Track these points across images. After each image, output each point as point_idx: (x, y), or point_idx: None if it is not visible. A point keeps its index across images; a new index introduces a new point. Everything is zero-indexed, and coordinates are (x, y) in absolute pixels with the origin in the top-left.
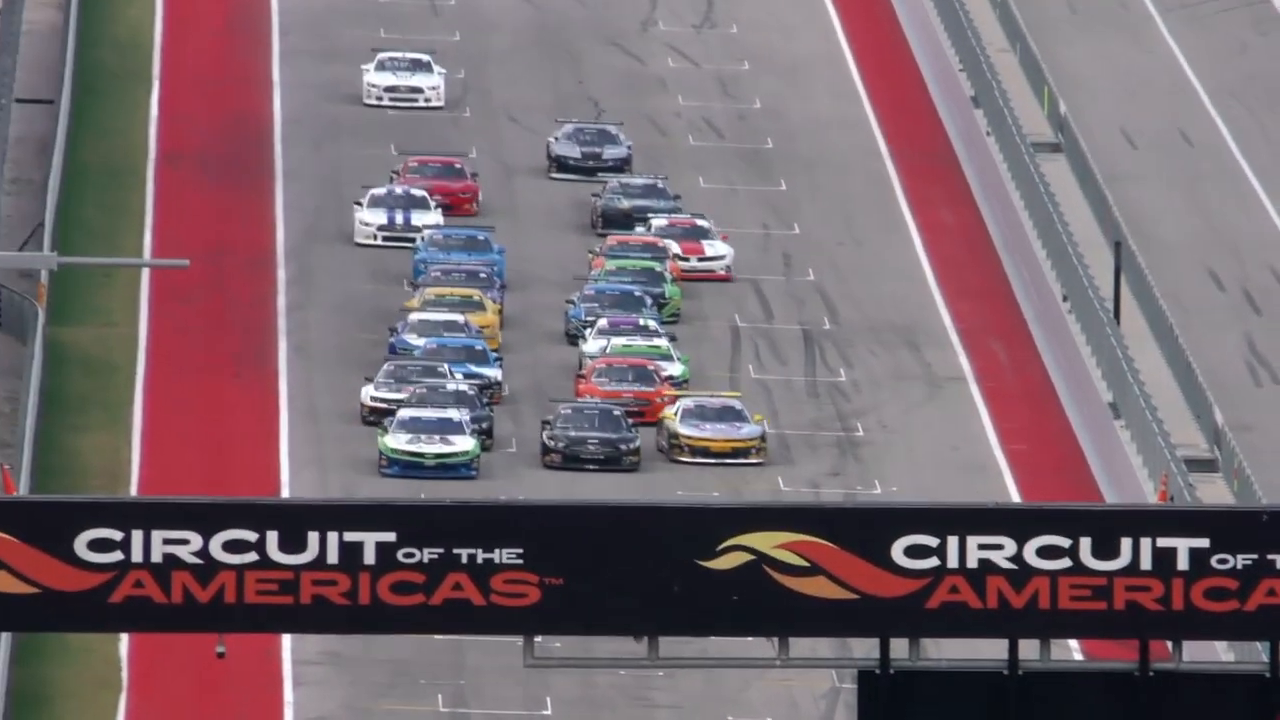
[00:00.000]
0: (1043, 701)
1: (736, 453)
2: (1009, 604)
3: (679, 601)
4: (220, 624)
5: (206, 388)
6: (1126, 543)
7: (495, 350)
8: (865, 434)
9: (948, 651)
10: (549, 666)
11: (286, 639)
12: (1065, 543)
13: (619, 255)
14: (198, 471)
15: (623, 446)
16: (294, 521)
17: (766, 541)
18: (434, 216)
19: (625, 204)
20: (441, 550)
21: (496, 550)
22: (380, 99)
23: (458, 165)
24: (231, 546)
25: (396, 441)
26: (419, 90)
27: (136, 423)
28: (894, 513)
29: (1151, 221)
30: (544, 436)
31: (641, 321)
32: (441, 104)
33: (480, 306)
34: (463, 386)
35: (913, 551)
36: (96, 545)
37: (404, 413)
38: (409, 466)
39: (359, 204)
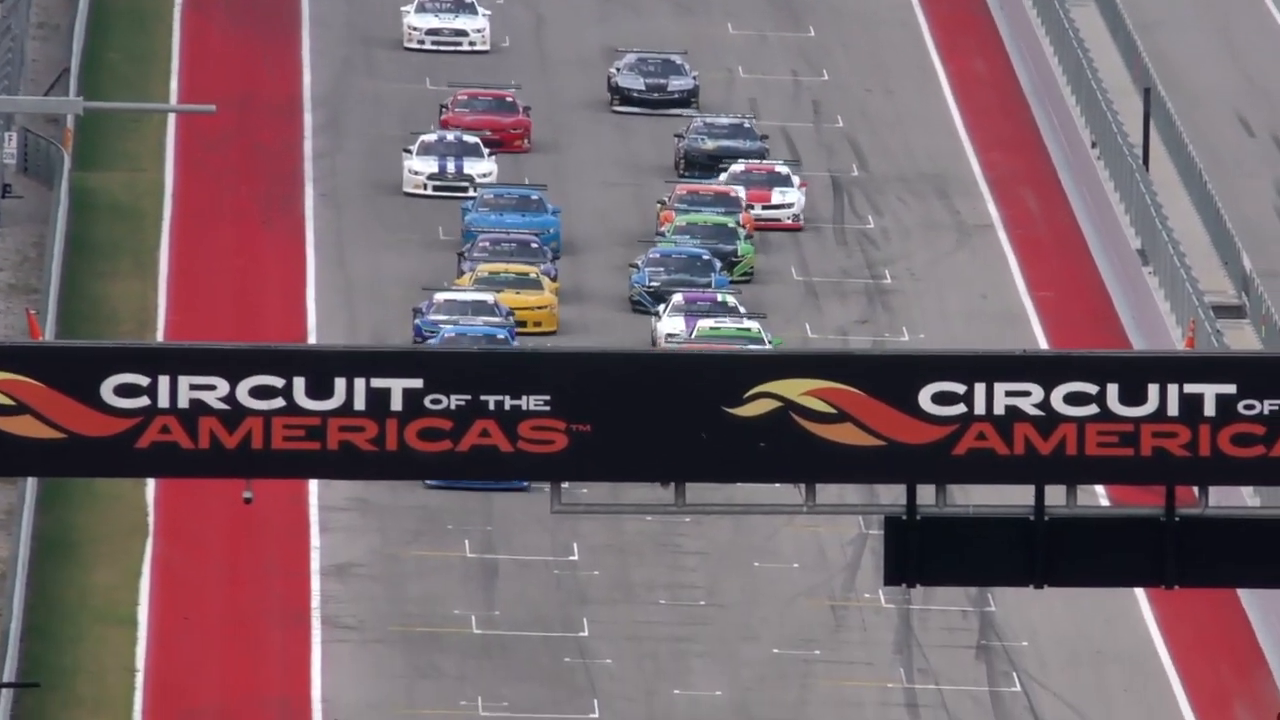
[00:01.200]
0: (1069, 547)
1: None
2: (1036, 450)
3: (706, 448)
4: (247, 470)
5: (233, 235)
6: (1154, 389)
7: (551, 332)
8: (894, 282)
9: (975, 498)
10: (576, 513)
11: (314, 485)
12: (1092, 389)
13: (688, 209)
14: (225, 318)
15: None
16: (321, 368)
17: (794, 389)
18: (487, 165)
19: (710, 145)
20: (469, 397)
21: (524, 397)
22: (422, 43)
23: (509, 99)
24: (258, 393)
25: None
26: (463, 33)
27: (163, 269)
28: (922, 360)
29: (1182, 68)
30: None
31: (720, 298)
32: (487, 47)
33: (536, 285)
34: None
35: (940, 398)
36: (123, 391)
37: None
38: None
39: (408, 151)
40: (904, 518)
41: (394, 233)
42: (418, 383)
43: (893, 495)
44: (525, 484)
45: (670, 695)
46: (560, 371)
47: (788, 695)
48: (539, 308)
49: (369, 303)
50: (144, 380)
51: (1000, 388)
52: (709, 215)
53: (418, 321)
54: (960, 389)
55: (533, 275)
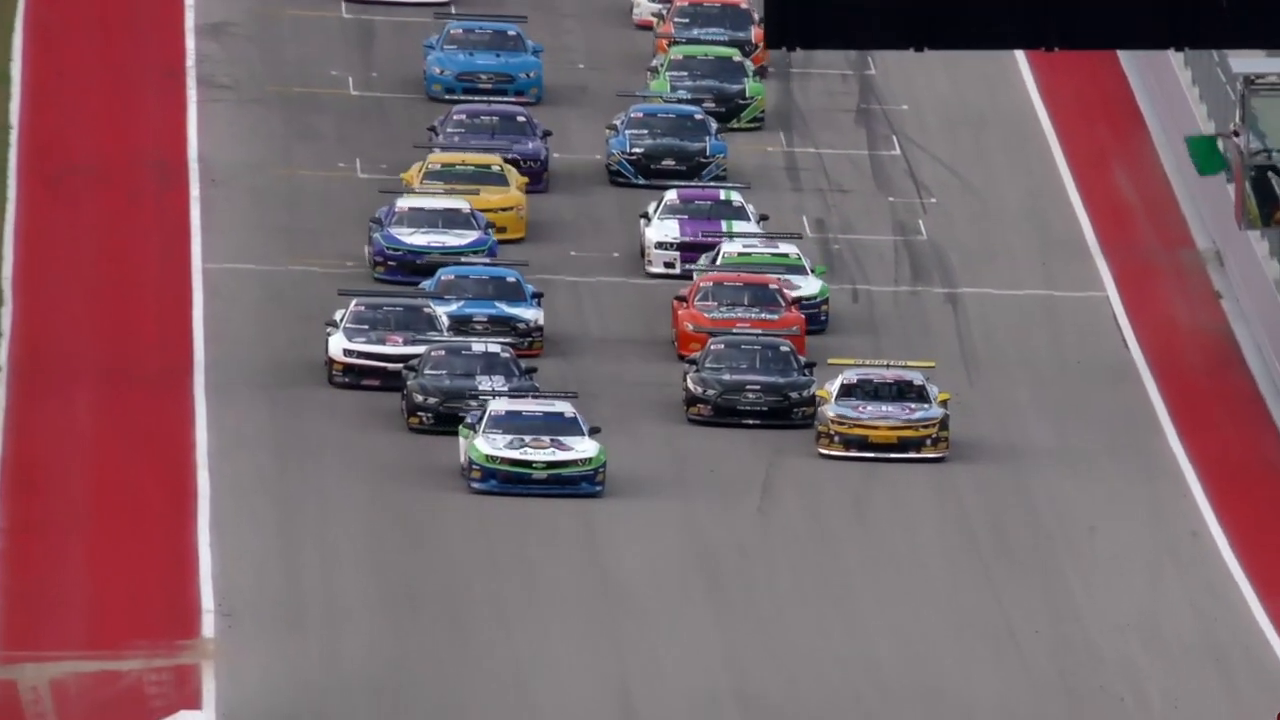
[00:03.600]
0: (950, 9)
1: (904, 444)
2: None
3: None
4: None
5: None
6: None
7: (518, 239)
8: None
9: None
10: None
11: None
12: None
13: (689, 25)
14: None
15: (794, 395)
16: None
17: None
18: None
19: None
20: None
21: None
22: None
23: None
24: None
25: (492, 446)
26: None
27: None
28: None
29: None
30: (688, 380)
31: (723, 195)
32: None
33: (500, 180)
34: (493, 347)
35: None
36: None
37: (497, 406)
38: (511, 480)
39: None
40: None
41: None
42: None
43: None
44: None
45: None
46: None
47: None
48: (503, 209)
49: None
50: None
51: None
52: (711, 46)
53: (377, 235)
54: None
55: (496, 168)
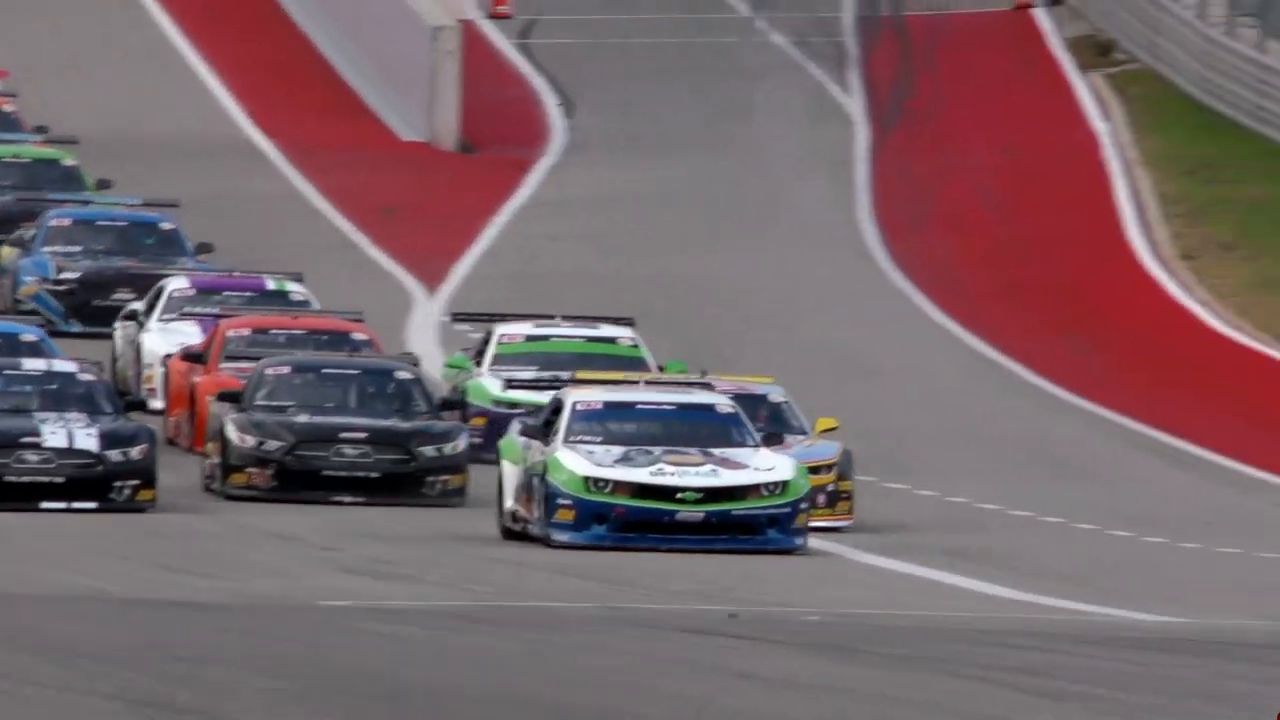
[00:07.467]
0: None
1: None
2: None
3: None
4: None
5: None
6: None
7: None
8: None
9: None
10: None
11: None
12: None
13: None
14: None
15: (423, 450)
16: None
17: None
18: None
19: None
20: None
21: None
22: None
23: None
24: None
25: (591, 463)
26: None
27: None
28: None
29: None
30: (228, 427)
31: (272, 284)
32: None
33: None
34: (62, 365)
35: None
36: None
37: (585, 396)
38: (637, 527)
39: None
40: None
41: None
42: None
43: None
44: None
45: None
46: None
47: None
48: None
49: None
50: None
51: None
52: (22, 145)
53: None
54: None
55: None
